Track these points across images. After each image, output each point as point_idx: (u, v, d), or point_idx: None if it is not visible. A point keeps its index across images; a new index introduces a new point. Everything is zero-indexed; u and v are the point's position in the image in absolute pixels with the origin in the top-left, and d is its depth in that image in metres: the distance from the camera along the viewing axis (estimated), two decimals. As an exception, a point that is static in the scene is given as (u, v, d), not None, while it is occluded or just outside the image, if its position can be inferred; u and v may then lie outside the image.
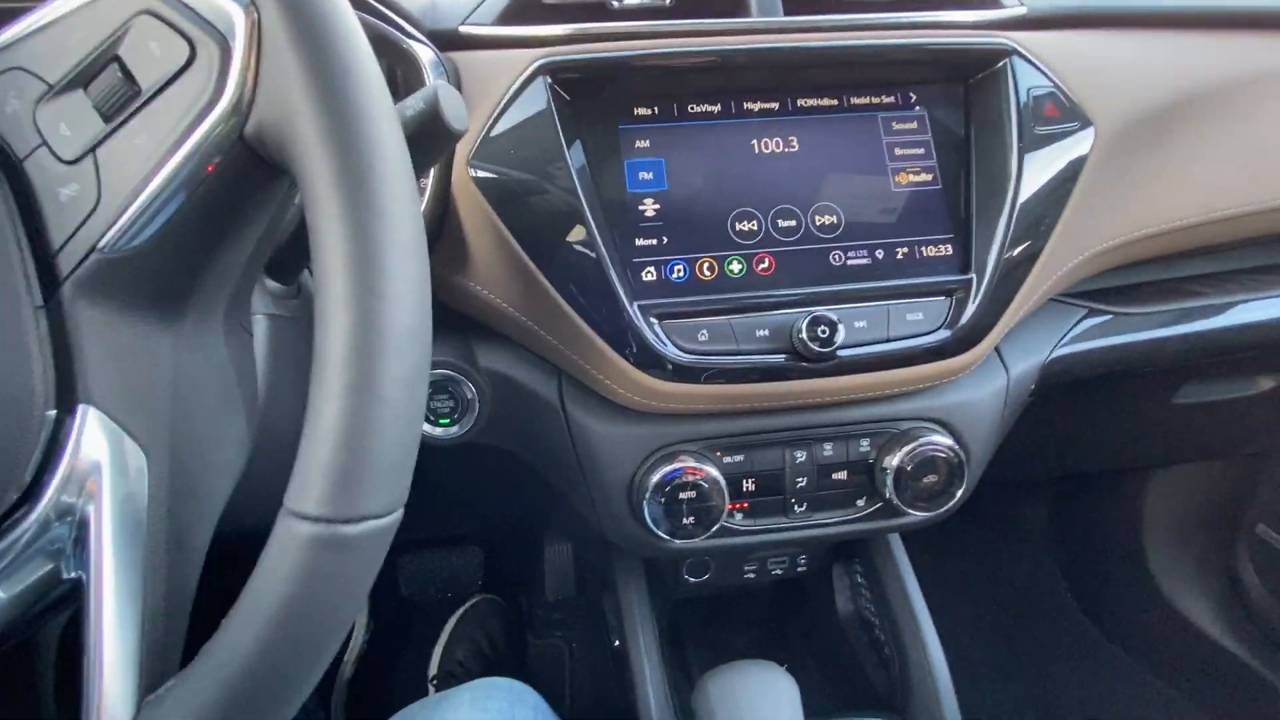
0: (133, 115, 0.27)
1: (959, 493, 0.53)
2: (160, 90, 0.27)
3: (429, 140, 0.36)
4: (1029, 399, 0.59)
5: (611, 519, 0.54)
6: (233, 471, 0.36)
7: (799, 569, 0.73)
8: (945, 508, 0.53)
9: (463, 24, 0.53)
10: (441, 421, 0.53)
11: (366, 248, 0.25)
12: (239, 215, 0.31)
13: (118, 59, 0.27)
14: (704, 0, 0.54)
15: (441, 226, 0.50)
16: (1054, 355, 0.59)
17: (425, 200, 0.48)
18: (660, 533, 0.51)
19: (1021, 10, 0.56)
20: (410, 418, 0.26)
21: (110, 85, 0.27)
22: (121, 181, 0.27)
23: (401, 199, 0.26)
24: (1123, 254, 0.58)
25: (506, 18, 0.53)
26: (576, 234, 0.47)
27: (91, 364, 0.28)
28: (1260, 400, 0.80)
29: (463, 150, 0.48)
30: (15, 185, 0.28)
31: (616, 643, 0.73)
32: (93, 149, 0.27)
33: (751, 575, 0.71)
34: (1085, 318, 0.61)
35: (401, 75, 0.49)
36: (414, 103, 0.37)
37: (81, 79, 0.28)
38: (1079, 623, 1.26)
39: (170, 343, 0.31)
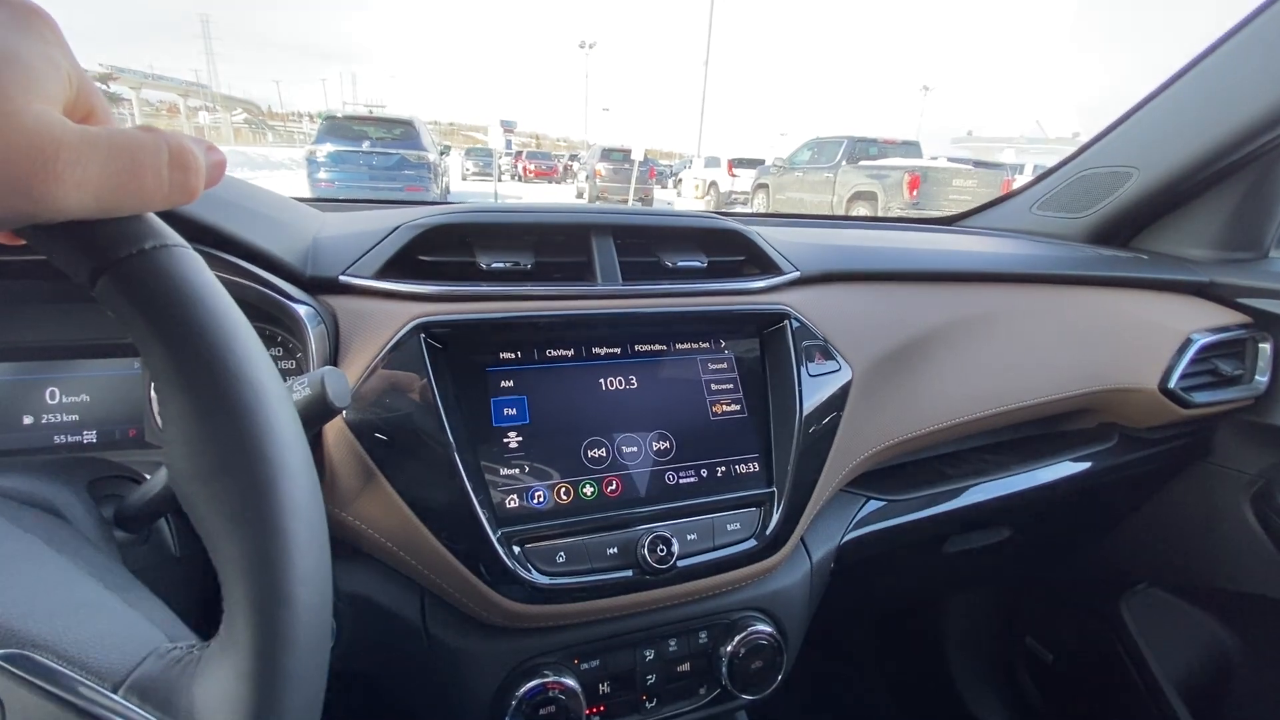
0: None
1: (779, 675, 0.62)
2: None
3: (313, 418, 0.42)
4: (830, 577, 0.72)
5: None
6: None
7: None
8: (769, 690, 0.62)
9: (343, 274, 0.60)
10: None
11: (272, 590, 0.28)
12: None
13: None
14: (558, 266, 0.65)
15: None
16: (846, 539, 0.73)
17: None
18: None
19: (797, 274, 0.74)
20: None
21: None
22: None
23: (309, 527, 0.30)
24: (886, 454, 0.75)
25: (385, 272, 0.60)
26: (444, 470, 0.52)
27: None
28: (1005, 544, 1.02)
29: None
30: None
31: None
32: None
33: None
34: (866, 504, 0.77)
35: (283, 334, 0.54)
36: (300, 388, 0.42)
37: None
38: None
39: None
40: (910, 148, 10.40)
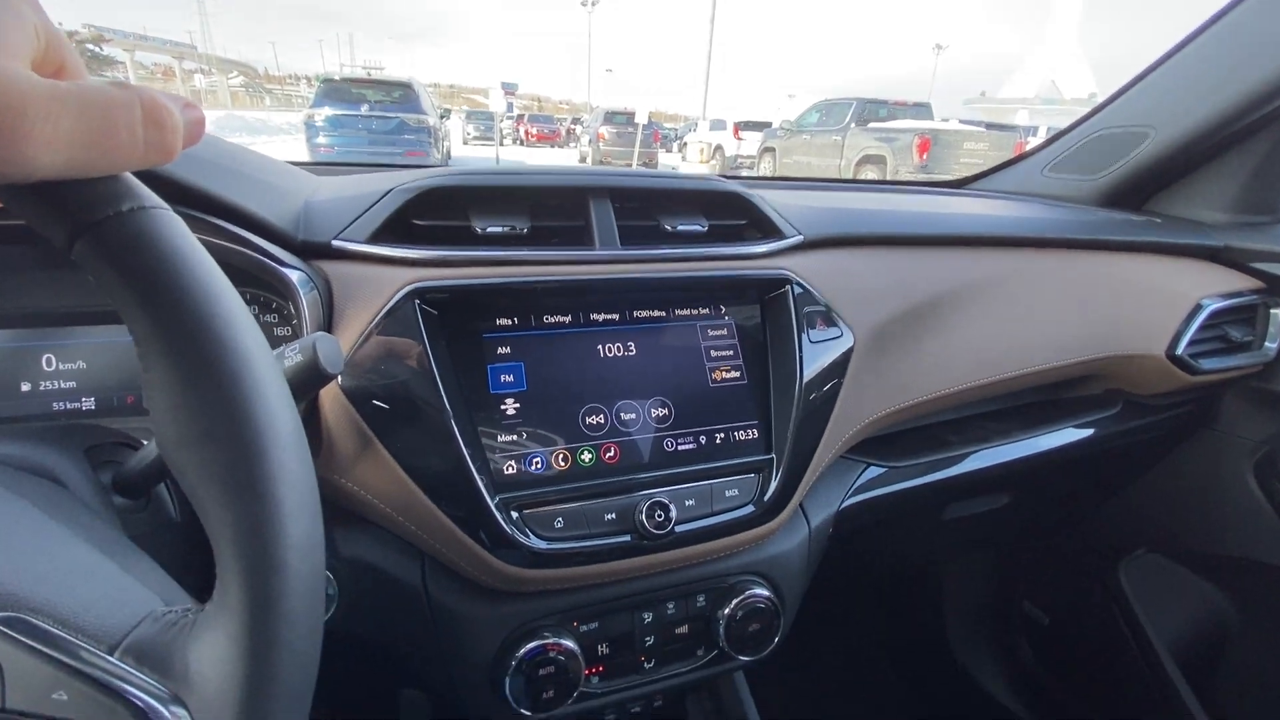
0: None
1: (776, 637, 0.63)
2: None
3: (306, 384, 0.41)
4: (828, 542, 0.72)
5: (473, 698, 0.57)
6: None
7: (655, 705, 0.78)
8: (767, 650, 0.63)
9: (335, 238, 0.59)
10: None
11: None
12: None
13: None
14: (555, 230, 0.64)
15: (306, 427, 0.53)
16: (845, 505, 0.73)
17: None
18: (522, 709, 0.54)
19: (800, 238, 0.73)
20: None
21: None
22: None
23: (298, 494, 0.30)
24: (888, 420, 0.75)
25: (379, 236, 0.59)
26: (441, 437, 0.52)
27: None
28: (1004, 511, 1.02)
29: None
30: None
31: None
32: None
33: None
34: (866, 470, 0.77)
35: (278, 300, 0.53)
36: (292, 354, 0.42)
37: None
38: (898, 691, 1.43)
39: None
40: (921, 110, 10.16)
